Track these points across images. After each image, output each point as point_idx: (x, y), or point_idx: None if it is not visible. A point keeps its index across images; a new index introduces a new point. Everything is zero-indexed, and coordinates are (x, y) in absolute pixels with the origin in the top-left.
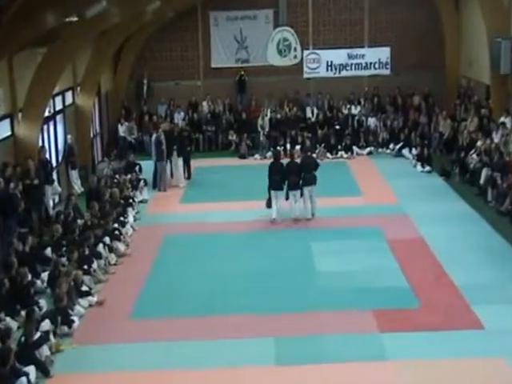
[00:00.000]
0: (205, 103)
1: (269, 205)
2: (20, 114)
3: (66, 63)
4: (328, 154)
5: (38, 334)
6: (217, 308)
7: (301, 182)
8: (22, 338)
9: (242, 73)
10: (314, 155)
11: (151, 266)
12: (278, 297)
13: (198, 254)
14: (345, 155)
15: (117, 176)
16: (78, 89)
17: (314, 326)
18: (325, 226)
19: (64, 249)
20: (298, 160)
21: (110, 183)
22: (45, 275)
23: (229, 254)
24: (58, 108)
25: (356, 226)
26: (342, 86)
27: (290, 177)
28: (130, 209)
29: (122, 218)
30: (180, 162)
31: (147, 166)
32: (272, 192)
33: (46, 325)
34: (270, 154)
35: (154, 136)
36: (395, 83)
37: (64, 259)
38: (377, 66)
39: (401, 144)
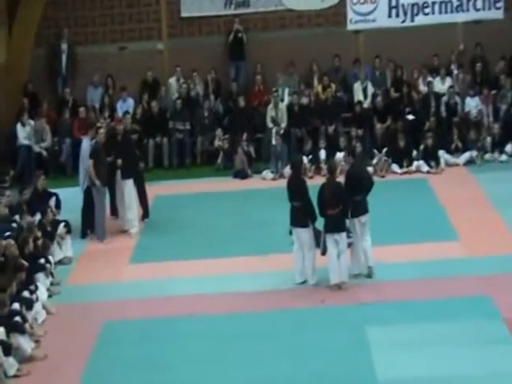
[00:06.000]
0: (172, 81)
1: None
2: None
3: None
4: (395, 167)
5: None
6: None
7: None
8: None
9: (238, 26)
10: (369, 168)
11: (80, 379)
12: None
13: (163, 352)
14: (425, 167)
15: (16, 217)
16: None
17: None
18: (391, 297)
19: None
20: (343, 177)
21: (5, 231)
22: None
23: (215, 350)
24: None
25: (448, 296)
26: (418, 45)
27: (329, 209)
28: (40, 276)
29: (26, 293)
30: (128, 187)
31: (70, 197)
32: (293, 231)
33: None
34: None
35: (86, 143)
36: None
37: None
38: (479, 5)
39: None
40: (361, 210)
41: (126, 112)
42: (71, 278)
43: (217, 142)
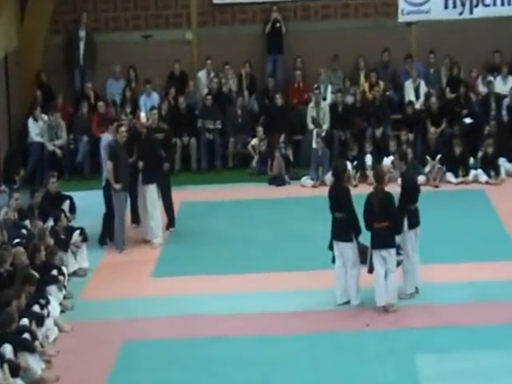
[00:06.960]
0: (202, 75)
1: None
2: None
3: None
4: (449, 176)
5: None
6: None
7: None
8: None
9: (276, 15)
10: (421, 177)
11: None
12: None
13: (188, 378)
14: (483, 177)
15: (26, 223)
16: None
17: None
18: (444, 322)
19: None
20: (391, 186)
21: (14, 238)
22: None
23: (248, 377)
24: None
25: (508, 322)
26: (477, 40)
27: (376, 222)
28: (52, 289)
29: (36, 308)
30: (150, 192)
31: (87, 202)
32: (334, 244)
33: None
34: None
35: (105, 140)
36: None
37: None
38: None
39: None
40: (417, 220)
41: (153, 107)
42: (86, 291)
43: (253, 143)
